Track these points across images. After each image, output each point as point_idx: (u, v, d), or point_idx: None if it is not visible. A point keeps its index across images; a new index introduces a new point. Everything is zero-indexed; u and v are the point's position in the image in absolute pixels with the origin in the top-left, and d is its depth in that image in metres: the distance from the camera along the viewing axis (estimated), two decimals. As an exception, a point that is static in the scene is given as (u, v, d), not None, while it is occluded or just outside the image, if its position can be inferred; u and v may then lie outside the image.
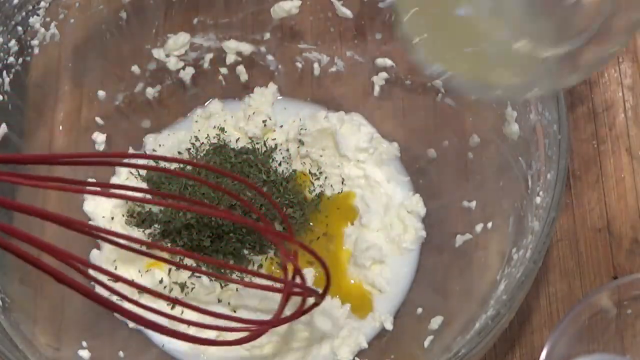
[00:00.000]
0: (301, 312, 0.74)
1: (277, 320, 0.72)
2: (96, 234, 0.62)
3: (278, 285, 0.73)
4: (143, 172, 0.93)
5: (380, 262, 0.90)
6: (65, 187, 0.62)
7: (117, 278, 0.64)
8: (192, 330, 0.78)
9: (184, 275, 0.88)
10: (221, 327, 0.71)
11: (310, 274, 0.89)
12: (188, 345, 0.86)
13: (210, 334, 0.79)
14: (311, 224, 0.91)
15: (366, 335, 0.87)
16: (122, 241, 0.64)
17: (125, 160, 0.85)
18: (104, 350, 0.85)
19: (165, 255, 0.82)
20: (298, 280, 0.73)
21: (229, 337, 0.71)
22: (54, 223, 0.57)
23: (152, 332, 0.87)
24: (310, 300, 0.74)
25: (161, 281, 0.88)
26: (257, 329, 0.70)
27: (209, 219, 0.86)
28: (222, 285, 0.88)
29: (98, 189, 0.78)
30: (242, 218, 0.78)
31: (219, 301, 0.88)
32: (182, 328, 0.73)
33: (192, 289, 0.87)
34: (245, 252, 0.89)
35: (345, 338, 0.86)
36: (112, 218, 0.91)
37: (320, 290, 0.74)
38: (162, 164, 0.89)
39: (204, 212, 0.82)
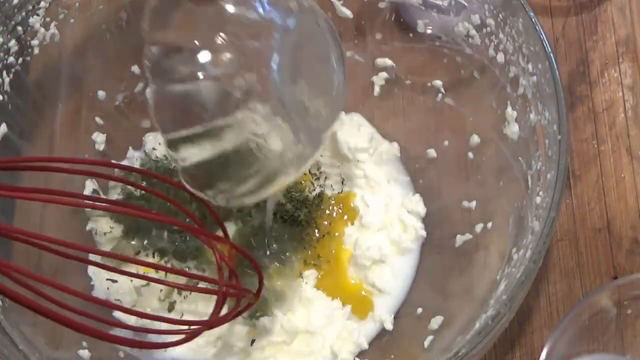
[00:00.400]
0: (236, 312, 0.74)
1: (214, 321, 0.71)
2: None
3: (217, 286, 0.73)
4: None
5: (381, 262, 0.90)
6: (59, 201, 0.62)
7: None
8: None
9: (181, 278, 0.88)
10: (153, 330, 0.71)
11: (312, 276, 0.89)
12: (189, 347, 0.86)
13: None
14: (317, 222, 0.91)
15: (366, 336, 0.87)
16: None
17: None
18: (104, 350, 0.85)
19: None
20: (233, 282, 0.73)
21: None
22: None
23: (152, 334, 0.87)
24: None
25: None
26: (194, 329, 0.69)
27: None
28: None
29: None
30: (174, 220, 0.77)
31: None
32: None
33: (190, 292, 0.87)
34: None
35: (345, 339, 0.86)
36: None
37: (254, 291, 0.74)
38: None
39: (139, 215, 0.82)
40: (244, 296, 0.73)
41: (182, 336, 0.68)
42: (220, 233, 0.78)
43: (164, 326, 0.69)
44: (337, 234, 0.92)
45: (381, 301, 0.90)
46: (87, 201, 0.80)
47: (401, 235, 0.91)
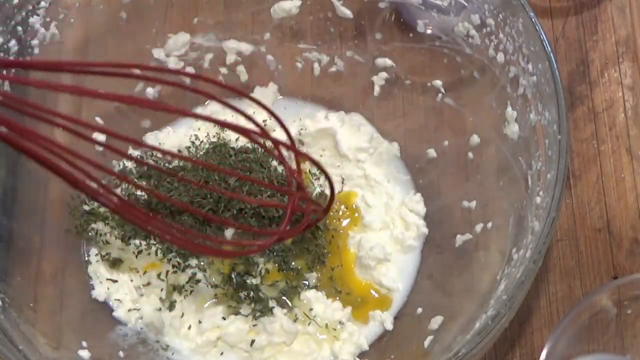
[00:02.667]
0: (306, 225, 0.74)
1: (284, 232, 0.72)
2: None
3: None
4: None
5: (386, 260, 0.90)
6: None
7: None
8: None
9: (182, 278, 0.88)
10: (230, 241, 0.74)
11: (313, 279, 0.89)
12: (190, 347, 0.86)
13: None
14: (327, 221, 0.92)
15: (367, 337, 0.87)
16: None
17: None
18: (104, 350, 0.85)
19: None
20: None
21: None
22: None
23: (151, 333, 0.87)
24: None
25: (158, 275, 0.88)
26: (264, 241, 0.71)
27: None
28: (221, 287, 0.88)
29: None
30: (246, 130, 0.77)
31: (217, 304, 0.88)
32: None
33: (191, 291, 0.87)
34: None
35: (345, 340, 0.86)
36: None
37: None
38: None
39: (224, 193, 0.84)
40: (313, 210, 0.73)
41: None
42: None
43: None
44: (341, 231, 0.92)
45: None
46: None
47: (404, 233, 0.91)
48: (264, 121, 0.96)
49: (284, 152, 0.70)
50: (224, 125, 0.64)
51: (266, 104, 0.69)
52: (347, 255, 0.91)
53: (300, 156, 0.72)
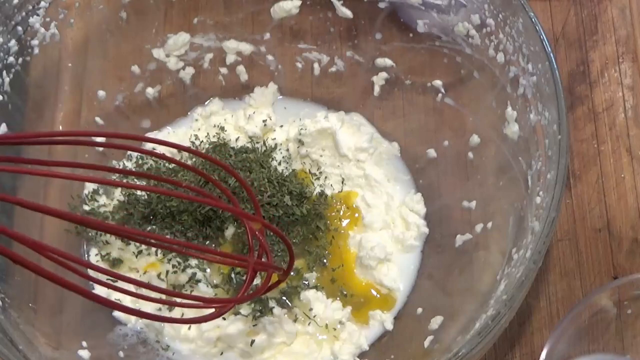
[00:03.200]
0: (266, 288, 0.74)
1: (242, 298, 0.72)
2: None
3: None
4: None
5: (387, 260, 0.90)
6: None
7: (116, 276, 0.65)
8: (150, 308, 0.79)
9: (182, 278, 0.88)
10: (186, 303, 0.71)
11: (312, 278, 0.89)
12: (190, 348, 0.86)
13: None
14: (328, 222, 0.91)
15: (367, 338, 0.87)
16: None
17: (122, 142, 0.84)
18: (104, 350, 0.85)
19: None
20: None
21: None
22: (56, 217, 0.57)
23: (151, 333, 0.87)
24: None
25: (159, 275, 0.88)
26: (222, 306, 0.70)
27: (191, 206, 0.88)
28: (221, 287, 0.88)
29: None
30: (207, 200, 0.77)
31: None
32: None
33: (191, 292, 0.87)
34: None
35: (345, 340, 0.86)
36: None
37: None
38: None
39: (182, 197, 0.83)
40: (274, 272, 0.73)
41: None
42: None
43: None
44: (342, 231, 0.92)
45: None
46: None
47: (404, 232, 0.91)
48: (264, 121, 0.96)
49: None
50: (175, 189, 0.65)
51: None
52: (348, 255, 0.91)
53: (266, 227, 0.72)
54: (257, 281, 0.82)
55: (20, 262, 0.53)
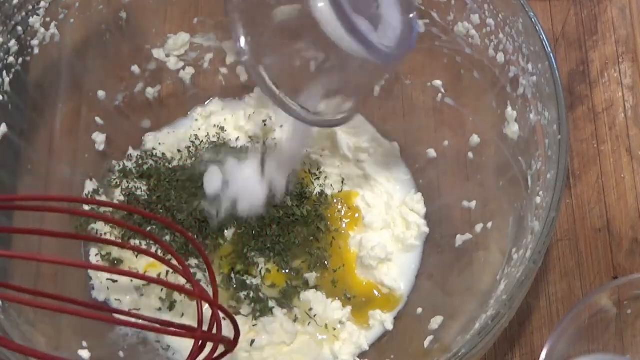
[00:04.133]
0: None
1: None
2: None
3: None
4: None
5: (387, 260, 0.90)
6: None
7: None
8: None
9: (182, 278, 0.88)
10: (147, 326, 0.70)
11: (313, 278, 0.89)
12: (188, 349, 0.86)
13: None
14: (329, 223, 0.91)
15: (367, 338, 0.87)
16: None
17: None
18: (104, 350, 0.85)
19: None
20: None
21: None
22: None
23: (152, 333, 0.87)
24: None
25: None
26: None
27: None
28: (221, 287, 0.88)
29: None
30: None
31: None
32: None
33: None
34: (252, 253, 0.89)
35: (345, 340, 0.86)
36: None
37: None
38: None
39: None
40: (222, 343, 0.71)
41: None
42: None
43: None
44: (342, 231, 0.92)
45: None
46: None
47: (405, 232, 0.91)
48: (264, 121, 0.96)
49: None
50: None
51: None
52: (348, 256, 0.91)
53: (222, 311, 0.70)
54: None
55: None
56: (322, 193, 0.93)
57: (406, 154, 0.96)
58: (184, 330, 0.67)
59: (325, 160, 0.95)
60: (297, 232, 0.90)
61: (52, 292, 0.85)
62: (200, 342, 0.67)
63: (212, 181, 0.88)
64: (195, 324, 0.87)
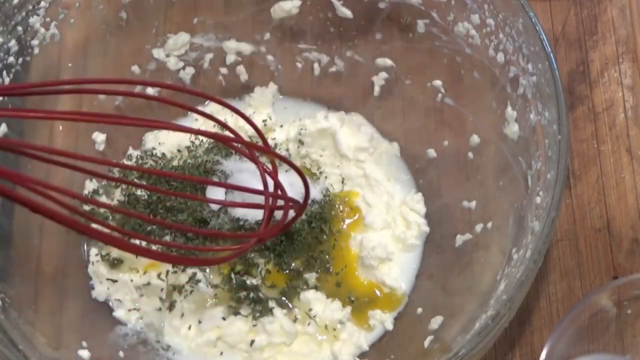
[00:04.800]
0: (284, 225, 0.75)
1: (263, 233, 0.73)
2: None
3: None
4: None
5: (388, 260, 0.90)
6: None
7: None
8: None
9: (182, 278, 0.88)
10: (206, 247, 0.72)
11: (313, 278, 0.89)
12: (190, 348, 0.86)
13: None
14: (331, 226, 0.91)
15: (367, 338, 0.87)
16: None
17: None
18: (104, 350, 0.85)
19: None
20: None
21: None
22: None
23: (152, 333, 0.87)
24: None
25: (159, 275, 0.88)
26: (242, 245, 0.72)
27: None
28: (221, 287, 0.88)
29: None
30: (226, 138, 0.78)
31: (217, 304, 0.88)
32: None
33: (191, 291, 0.87)
34: (252, 254, 0.89)
35: (345, 341, 0.86)
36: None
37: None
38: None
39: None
40: (290, 207, 0.74)
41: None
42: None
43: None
44: (343, 232, 0.92)
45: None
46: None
47: (405, 232, 0.91)
48: (264, 121, 0.96)
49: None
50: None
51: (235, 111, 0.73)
52: (349, 256, 0.91)
53: (275, 156, 0.72)
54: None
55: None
56: (326, 194, 0.92)
57: (406, 154, 0.96)
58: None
59: (325, 160, 0.95)
60: (299, 234, 0.90)
61: (52, 292, 0.86)
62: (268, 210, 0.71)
63: (216, 195, 0.88)
64: (195, 324, 0.87)
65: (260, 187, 0.88)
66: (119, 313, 0.88)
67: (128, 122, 0.67)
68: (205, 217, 0.89)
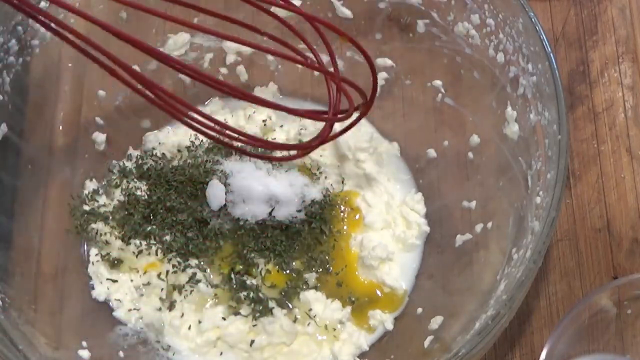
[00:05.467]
0: (346, 127, 0.79)
1: (324, 138, 0.78)
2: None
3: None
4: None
5: (389, 260, 0.90)
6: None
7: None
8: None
9: (182, 278, 0.88)
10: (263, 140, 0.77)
11: (312, 279, 0.89)
12: (190, 348, 0.86)
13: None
14: (332, 227, 0.91)
15: (367, 338, 0.87)
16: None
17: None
18: (104, 350, 0.85)
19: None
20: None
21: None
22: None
23: (152, 333, 0.87)
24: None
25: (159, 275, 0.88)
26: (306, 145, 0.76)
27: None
28: (221, 287, 0.88)
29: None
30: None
31: (217, 304, 0.88)
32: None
33: (191, 291, 0.87)
34: (252, 254, 0.89)
35: (345, 341, 0.86)
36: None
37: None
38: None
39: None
40: (355, 109, 0.77)
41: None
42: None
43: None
44: (344, 232, 0.92)
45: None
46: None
47: (405, 231, 0.91)
48: (264, 121, 0.96)
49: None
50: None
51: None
52: (350, 256, 0.91)
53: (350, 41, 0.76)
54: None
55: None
56: (326, 195, 0.92)
57: (406, 154, 0.96)
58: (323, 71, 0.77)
59: (325, 160, 0.95)
60: (299, 234, 0.90)
61: (52, 292, 0.86)
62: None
63: (216, 196, 0.88)
64: (195, 324, 0.87)
65: (260, 189, 0.88)
66: (119, 313, 0.88)
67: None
68: (205, 217, 0.89)
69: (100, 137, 0.94)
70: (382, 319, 0.88)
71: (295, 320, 0.87)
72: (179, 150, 0.95)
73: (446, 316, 0.83)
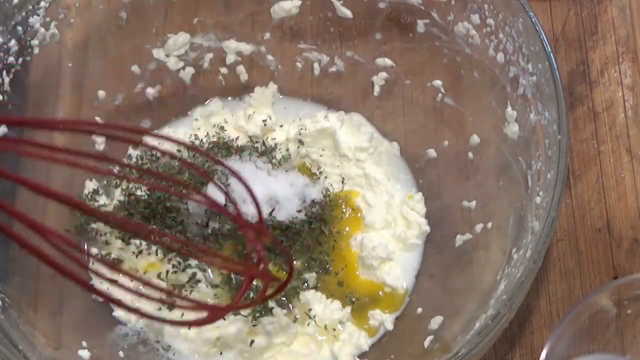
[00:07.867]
0: (263, 297, 0.73)
1: (237, 305, 0.71)
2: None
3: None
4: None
5: (389, 259, 0.90)
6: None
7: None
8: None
9: (182, 278, 0.88)
10: (182, 305, 0.71)
11: (312, 279, 0.89)
12: (189, 348, 0.86)
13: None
14: (332, 227, 0.91)
15: (367, 339, 0.87)
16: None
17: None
18: (104, 350, 0.85)
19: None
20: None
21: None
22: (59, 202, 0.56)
23: (151, 333, 0.87)
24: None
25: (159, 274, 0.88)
26: (217, 310, 0.70)
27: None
28: (221, 287, 0.88)
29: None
30: (213, 202, 0.77)
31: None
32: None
33: (191, 291, 0.87)
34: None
35: (345, 341, 0.86)
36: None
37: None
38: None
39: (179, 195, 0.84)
40: (271, 282, 0.73)
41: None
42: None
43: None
44: (344, 233, 0.92)
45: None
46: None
47: (406, 231, 0.91)
48: (264, 121, 0.96)
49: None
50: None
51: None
52: (350, 256, 0.91)
53: (265, 237, 0.71)
54: (256, 283, 0.82)
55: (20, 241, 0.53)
56: (326, 195, 0.92)
57: (406, 154, 0.96)
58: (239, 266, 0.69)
59: (325, 160, 0.95)
60: (299, 234, 0.90)
61: (52, 292, 0.86)
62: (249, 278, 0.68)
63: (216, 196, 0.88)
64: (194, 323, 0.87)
65: (260, 189, 0.88)
66: (119, 313, 0.88)
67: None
68: (205, 218, 0.89)
69: (100, 137, 0.94)
70: (382, 319, 0.88)
71: (295, 321, 0.87)
72: (178, 151, 0.95)
73: (446, 316, 0.83)
